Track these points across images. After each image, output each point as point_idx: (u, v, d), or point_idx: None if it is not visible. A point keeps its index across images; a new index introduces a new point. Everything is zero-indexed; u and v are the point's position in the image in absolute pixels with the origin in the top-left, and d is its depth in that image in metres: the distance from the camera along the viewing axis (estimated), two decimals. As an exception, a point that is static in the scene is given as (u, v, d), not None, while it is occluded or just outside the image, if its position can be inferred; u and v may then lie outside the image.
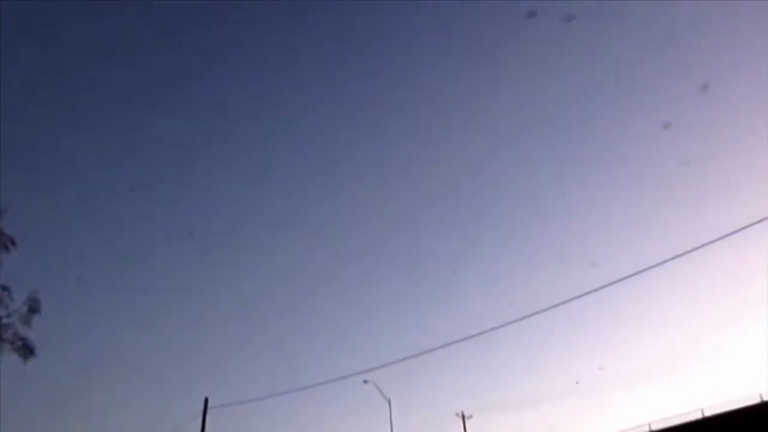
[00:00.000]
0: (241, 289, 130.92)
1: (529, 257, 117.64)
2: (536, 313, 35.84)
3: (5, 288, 26.89)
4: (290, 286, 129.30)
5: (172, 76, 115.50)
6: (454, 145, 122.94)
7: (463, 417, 53.76)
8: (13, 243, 27.21)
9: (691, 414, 33.03)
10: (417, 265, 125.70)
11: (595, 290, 31.72)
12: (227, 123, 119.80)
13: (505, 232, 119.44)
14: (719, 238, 24.20)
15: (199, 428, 40.68)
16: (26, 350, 27.35)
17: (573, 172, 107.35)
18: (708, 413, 31.90)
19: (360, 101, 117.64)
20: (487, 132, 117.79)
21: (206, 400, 41.73)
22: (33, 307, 27.34)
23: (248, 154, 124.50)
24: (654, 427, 34.41)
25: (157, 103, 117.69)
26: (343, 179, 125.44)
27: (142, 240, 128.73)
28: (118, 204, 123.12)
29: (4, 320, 26.79)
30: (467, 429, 53.53)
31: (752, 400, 30.69)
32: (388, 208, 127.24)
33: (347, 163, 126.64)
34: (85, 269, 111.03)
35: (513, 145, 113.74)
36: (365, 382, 47.75)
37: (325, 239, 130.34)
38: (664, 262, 26.98)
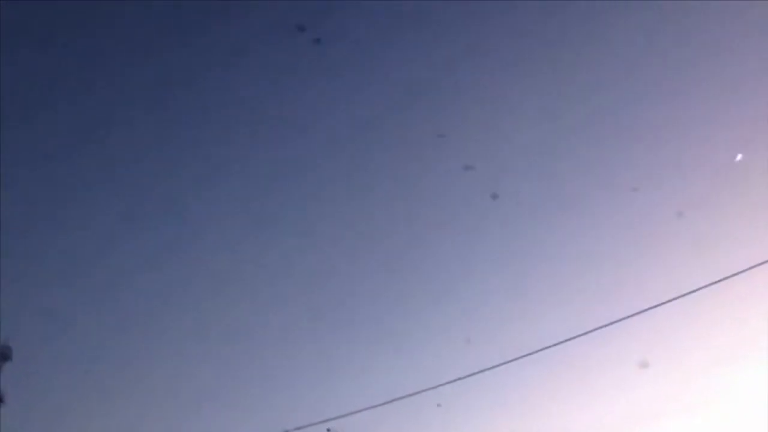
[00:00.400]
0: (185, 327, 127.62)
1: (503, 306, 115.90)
2: (503, 363, 34.82)
3: None
4: (241, 327, 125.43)
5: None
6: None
7: (429, 469, 52.55)
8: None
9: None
10: (394, 303, 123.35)
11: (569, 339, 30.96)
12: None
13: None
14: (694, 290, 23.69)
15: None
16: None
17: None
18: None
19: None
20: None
21: None
22: (4, 354, 25.89)
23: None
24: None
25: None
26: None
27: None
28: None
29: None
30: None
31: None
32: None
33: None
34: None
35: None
36: (328, 431, 46.18)
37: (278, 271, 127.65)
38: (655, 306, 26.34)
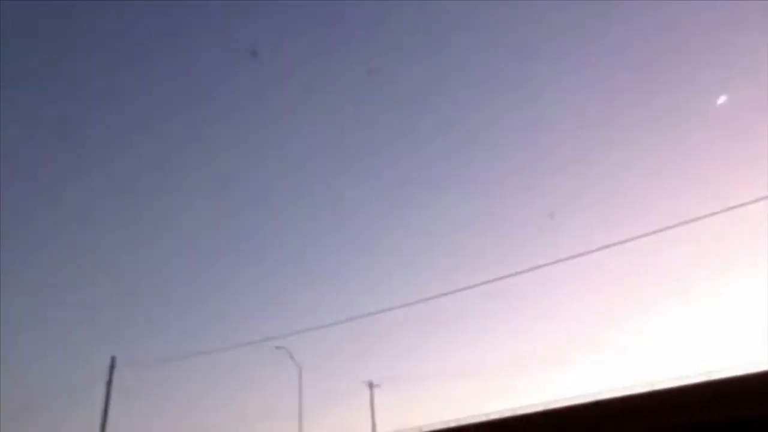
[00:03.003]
0: (152, 245, 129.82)
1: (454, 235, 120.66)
2: (448, 293, 37.38)
3: None
4: (206, 244, 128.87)
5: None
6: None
7: (371, 385, 55.67)
8: None
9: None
10: (341, 233, 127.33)
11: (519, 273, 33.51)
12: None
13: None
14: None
15: (105, 387, 40.91)
16: None
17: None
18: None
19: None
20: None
21: (113, 359, 41.51)
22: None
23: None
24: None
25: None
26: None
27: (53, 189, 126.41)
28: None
29: None
30: (374, 397, 55.72)
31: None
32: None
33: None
34: None
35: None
36: (277, 348, 48.65)
37: (245, 192, 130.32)
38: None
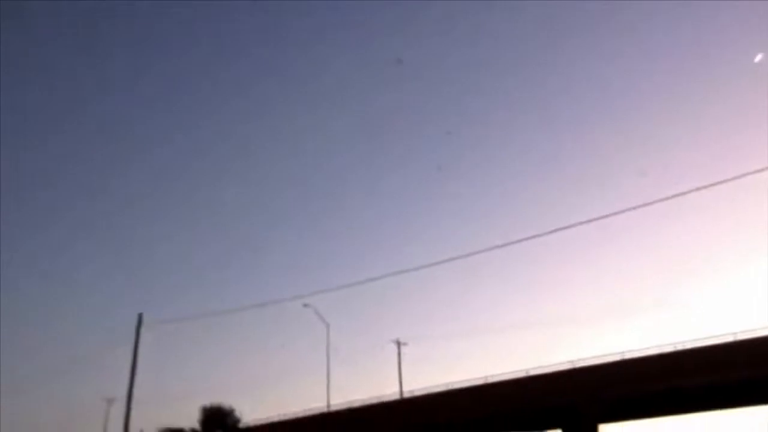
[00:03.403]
0: (183, 204, 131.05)
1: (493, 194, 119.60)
2: (483, 251, 36.62)
3: None
4: (236, 203, 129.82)
5: None
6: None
7: (399, 344, 55.77)
8: None
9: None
10: (371, 194, 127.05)
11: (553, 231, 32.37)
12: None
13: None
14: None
15: (132, 344, 41.33)
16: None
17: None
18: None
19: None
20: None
21: (140, 316, 41.82)
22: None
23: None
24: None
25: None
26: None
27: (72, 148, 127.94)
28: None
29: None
30: (402, 355, 55.90)
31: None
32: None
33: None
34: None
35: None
36: (305, 306, 48.72)
37: (274, 153, 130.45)
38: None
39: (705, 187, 22.02)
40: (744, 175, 20.48)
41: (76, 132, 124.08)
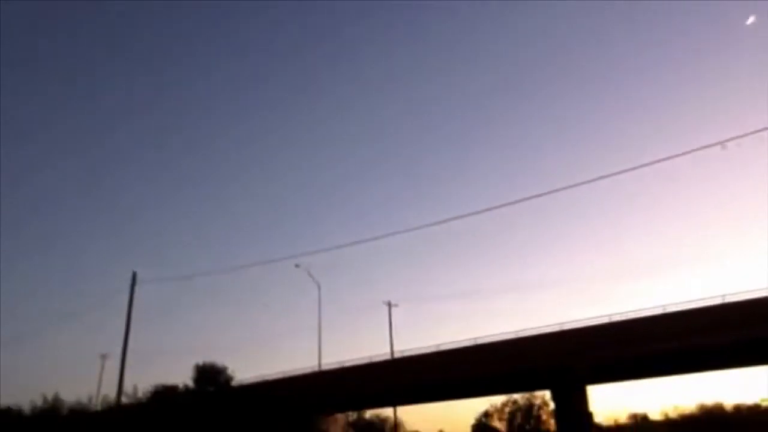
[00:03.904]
0: (176, 164, 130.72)
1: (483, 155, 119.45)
2: (473, 213, 36.37)
3: None
4: (228, 161, 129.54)
5: None
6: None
7: (390, 305, 56.27)
8: None
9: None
10: (363, 157, 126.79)
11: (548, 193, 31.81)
12: None
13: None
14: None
15: (126, 302, 41.54)
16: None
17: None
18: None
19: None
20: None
21: (134, 275, 41.76)
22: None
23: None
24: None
25: None
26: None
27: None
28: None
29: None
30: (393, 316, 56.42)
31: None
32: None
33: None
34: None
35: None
36: (297, 266, 48.98)
37: (274, 111, 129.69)
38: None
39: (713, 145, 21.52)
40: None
41: (80, 90, 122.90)
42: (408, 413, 74.86)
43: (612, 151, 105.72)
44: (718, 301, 30.95)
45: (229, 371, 43.84)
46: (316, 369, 46.34)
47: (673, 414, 63.58)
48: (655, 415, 66.59)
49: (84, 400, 46.76)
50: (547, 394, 46.74)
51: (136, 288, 41.65)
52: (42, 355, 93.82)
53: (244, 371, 77.72)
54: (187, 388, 43.14)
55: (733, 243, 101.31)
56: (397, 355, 46.80)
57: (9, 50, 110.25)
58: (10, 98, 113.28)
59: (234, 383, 43.86)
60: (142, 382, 48.99)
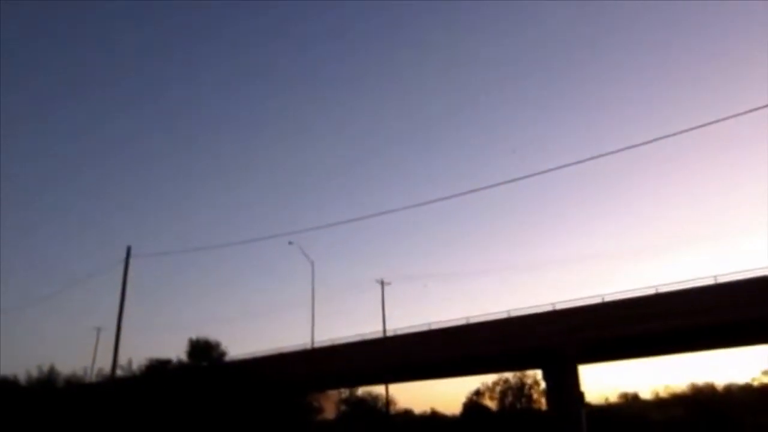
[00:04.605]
0: (173, 141, 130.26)
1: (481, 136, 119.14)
2: (469, 192, 35.88)
3: None
4: (225, 138, 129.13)
5: None
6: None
7: (382, 283, 56.28)
8: None
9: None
10: (360, 133, 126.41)
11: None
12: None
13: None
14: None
15: (121, 276, 41.43)
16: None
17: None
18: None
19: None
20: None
21: (128, 249, 41.88)
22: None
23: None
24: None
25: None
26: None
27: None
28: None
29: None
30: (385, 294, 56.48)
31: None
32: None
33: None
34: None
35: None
36: (290, 243, 48.93)
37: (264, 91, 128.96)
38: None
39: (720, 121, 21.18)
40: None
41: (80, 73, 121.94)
42: (400, 391, 75.49)
43: (605, 131, 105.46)
44: (710, 282, 30.98)
45: (223, 347, 44.04)
46: (309, 346, 46.52)
47: (663, 393, 64.16)
48: (646, 394, 67.29)
49: (79, 372, 46.99)
50: (538, 374, 46.97)
51: (132, 262, 41.62)
52: (38, 327, 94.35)
53: (238, 347, 77.93)
54: (180, 363, 43.33)
55: (729, 224, 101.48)
56: (389, 333, 46.97)
57: (8, 47, 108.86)
58: (9, 88, 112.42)
59: (227, 359, 44.06)
60: (137, 355, 49.10)
